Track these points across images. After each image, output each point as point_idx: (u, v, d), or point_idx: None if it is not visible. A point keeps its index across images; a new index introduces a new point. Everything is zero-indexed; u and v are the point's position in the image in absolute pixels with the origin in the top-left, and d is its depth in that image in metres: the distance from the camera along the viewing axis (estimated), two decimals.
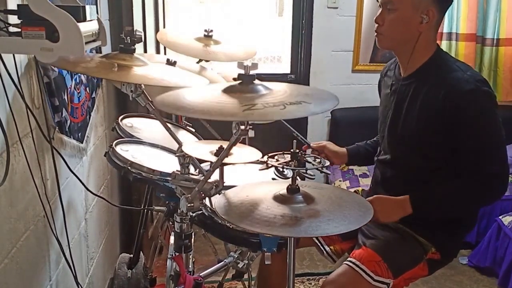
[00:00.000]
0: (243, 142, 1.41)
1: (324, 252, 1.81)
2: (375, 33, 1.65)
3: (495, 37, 3.48)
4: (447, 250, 1.70)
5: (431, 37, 1.62)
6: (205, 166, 1.56)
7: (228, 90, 1.18)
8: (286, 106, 1.10)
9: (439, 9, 1.57)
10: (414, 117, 1.60)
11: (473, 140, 1.53)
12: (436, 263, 1.69)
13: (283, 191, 1.25)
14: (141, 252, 2.18)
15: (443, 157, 1.59)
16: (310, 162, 1.29)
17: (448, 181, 1.59)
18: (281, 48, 4.57)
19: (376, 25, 1.63)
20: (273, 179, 1.44)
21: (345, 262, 1.61)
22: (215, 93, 1.19)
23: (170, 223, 1.78)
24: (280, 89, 1.21)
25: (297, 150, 1.30)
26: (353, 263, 1.58)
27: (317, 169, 1.29)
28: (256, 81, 1.20)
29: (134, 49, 1.38)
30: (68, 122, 1.63)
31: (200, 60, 2.13)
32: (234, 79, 1.19)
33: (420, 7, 1.54)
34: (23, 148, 1.27)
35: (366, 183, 3.14)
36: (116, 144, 1.70)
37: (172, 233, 1.53)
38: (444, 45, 3.46)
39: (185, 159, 1.44)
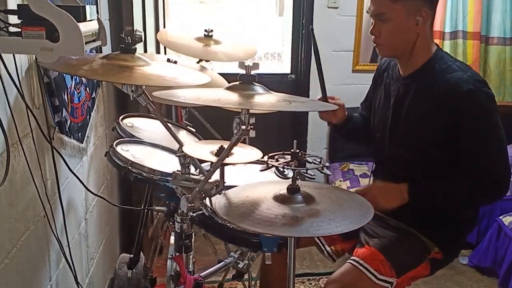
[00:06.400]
0: (244, 142, 1.41)
1: (325, 252, 1.81)
2: (374, 44, 1.67)
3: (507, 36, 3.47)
4: (450, 249, 1.70)
5: (428, 35, 1.63)
6: (206, 166, 1.56)
7: (229, 89, 1.19)
8: (292, 102, 1.12)
9: (430, 7, 1.58)
10: (415, 116, 1.61)
11: (474, 140, 1.53)
12: (438, 263, 1.70)
13: (284, 191, 1.25)
14: (141, 252, 2.18)
15: (443, 157, 1.59)
16: (310, 162, 1.28)
17: (449, 177, 1.59)
18: (281, 48, 4.57)
19: (373, 36, 1.64)
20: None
21: (348, 261, 1.61)
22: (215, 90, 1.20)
23: (171, 223, 1.78)
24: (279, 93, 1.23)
25: (298, 150, 1.29)
26: (357, 262, 1.58)
27: (317, 169, 1.29)
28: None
29: (135, 49, 1.38)
30: (68, 122, 1.63)
31: (200, 60, 2.13)
32: None
33: (413, 10, 1.55)
34: (23, 148, 1.27)
35: (366, 183, 3.14)
36: (116, 144, 1.70)
37: (172, 233, 1.53)
38: (446, 44, 3.45)
39: (185, 159, 1.44)
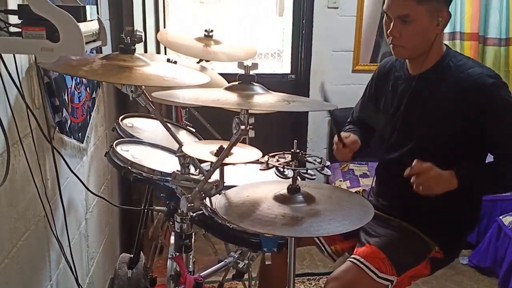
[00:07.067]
0: (244, 142, 1.41)
1: (325, 252, 1.81)
2: (391, 45, 1.62)
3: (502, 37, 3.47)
4: (450, 249, 1.70)
5: (441, 35, 1.63)
6: (206, 166, 1.56)
7: (228, 89, 1.20)
8: (291, 102, 1.12)
9: (448, 6, 1.59)
10: (432, 114, 1.60)
11: (506, 128, 1.53)
12: (438, 262, 1.70)
13: (284, 191, 1.25)
14: (141, 252, 2.18)
15: (456, 155, 1.58)
16: (310, 162, 1.28)
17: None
18: (281, 48, 4.57)
19: (391, 37, 1.60)
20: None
21: (349, 259, 1.61)
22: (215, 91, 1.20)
23: (171, 223, 1.78)
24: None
25: (298, 150, 1.30)
26: (357, 260, 1.58)
27: (317, 169, 1.29)
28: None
29: (135, 49, 1.38)
30: (69, 122, 1.63)
31: (201, 60, 2.13)
32: None
33: (435, 11, 1.54)
34: (23, 148, 1.27)
35: (366, 183, 3.14)
36: (116, 144, 1.70)
37: (173, 233, 1.53)
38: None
39: (185, 159, 1.44)
